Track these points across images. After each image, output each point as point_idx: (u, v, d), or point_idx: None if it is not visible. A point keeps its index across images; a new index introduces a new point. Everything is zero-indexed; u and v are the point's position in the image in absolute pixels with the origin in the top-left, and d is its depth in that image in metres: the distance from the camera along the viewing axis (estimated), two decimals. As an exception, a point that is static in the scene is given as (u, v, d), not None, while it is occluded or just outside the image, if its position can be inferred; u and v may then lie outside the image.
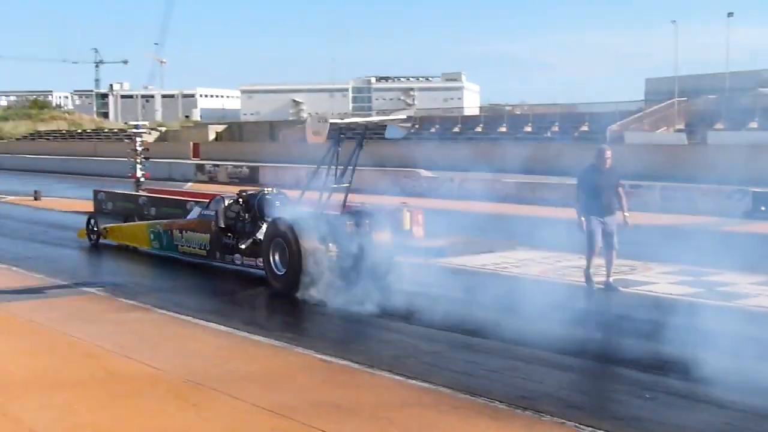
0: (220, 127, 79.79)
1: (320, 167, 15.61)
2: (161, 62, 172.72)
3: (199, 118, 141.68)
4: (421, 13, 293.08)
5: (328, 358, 10.31)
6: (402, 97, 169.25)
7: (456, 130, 59.13)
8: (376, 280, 14.30)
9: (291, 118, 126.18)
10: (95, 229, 21.30)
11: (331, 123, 16.63)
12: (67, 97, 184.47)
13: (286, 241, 14.49)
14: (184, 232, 18.09)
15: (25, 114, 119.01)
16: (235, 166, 46.77)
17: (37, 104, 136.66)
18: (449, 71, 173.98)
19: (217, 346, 11.10)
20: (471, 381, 9.37)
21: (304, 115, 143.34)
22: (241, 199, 16.69)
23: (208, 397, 8.75)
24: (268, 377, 9.55)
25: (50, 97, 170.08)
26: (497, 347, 10.86)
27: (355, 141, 15.71)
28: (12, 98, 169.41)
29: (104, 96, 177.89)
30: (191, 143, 70.11)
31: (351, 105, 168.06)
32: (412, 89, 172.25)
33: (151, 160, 31.89)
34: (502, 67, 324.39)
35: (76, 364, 10.10)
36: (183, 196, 27.50)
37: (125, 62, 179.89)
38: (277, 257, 14.83)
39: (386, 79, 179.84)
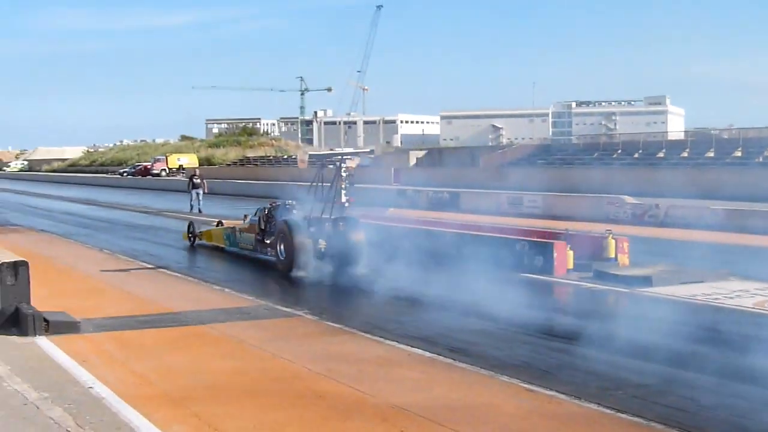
0: (421, 153, 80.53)
1: (312, 184, 22.06)
2: (363, 89, 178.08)
3: (399, 144, 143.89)
4: (624, 36, 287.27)
5: (534, 388, 10.16)
6: (603, 122, 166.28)
7: (660, 155, 57.37)
8: (349, 265, 20.31)
9: (491, 144, 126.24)
10: (193, 231, 27.75)
11: (310, 155, 25.34)
12: (273, 124, 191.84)
13: (285, 235, 20.77)
14: (242, 233, 24.52)
15: (235, 141, 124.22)
16: (435, 192, 46.98)
17: (246, 131, 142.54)
18: (652, 95, 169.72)
19: (421, 372, 11.14)
20: (685, 417, 9.01)
21: (504, 140, 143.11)
22: (270, 208, 23.14)
23: (414, 423, 8.79)
24: (472, 406, 9.50)
25: (258, 124, 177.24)
26: (711, 383, 10.40)
27: (335, 167, 22.16)
28: (223, 126, 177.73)
29: (309, 123, 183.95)
30: (392, 169, 71.15)
31: (551, 130, 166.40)
32: (613, 113, 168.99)
33: (354, 185, 32.51)
34: (708, 90, 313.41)
35: (286, 385, 10.37)
36: (384, 222, 27.81)
37: (329, 90, 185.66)
38: (282, 247, 21.06)
39: (587, 103, 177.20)
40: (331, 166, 22.14)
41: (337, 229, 20.92)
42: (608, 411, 9.20)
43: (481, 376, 10.86)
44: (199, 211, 42.72)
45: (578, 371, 11.33)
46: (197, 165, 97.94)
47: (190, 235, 27.79)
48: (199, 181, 45.05)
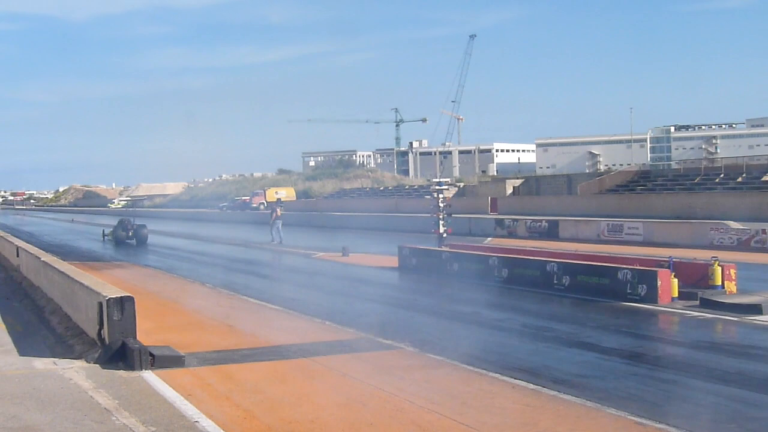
0: (517, 181, 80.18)
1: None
2: (458, 119, 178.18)
3: (495, 173, 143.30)
4: (723, 57, 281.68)
5: (644, 421, 9.87)
6: (703, 146, 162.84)
7: (765, 178, 55.84)
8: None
9: (588, 171, 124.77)
10: (104, 233, 49.21)
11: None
12: (369, 156, 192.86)
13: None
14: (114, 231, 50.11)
15: (332, 173, 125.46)
16: (533, 220, 46.61)
17: (342, 163, 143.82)
18: (754, 117, 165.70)
19: (526, 405, 10.94)
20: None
21: (601, 167, 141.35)
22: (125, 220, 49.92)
23: (520, 458, 8.61)
24: (580, 439, 9.27)
25: (354, 156, 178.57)
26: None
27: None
28: (320, 159, 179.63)
29: (404, 154, 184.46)
30: (489, 198, 70.93)
31: (649, 155, 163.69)
32: (714, 137, 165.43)
33: (452, 215, 32.49)
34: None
35: (389, 419, 10.29)
36: (484, 252, 27.66)
37: (424, 120, 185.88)
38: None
39: (686, 127, 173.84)
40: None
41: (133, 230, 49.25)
42: (723, 445, 8.88)
43: (587, 408, 10.61)
44: (280, 241, 43.91)
45: (689, 403, 10.97)
46: (294, 198, 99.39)
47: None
48: (280, 212, 46.30)
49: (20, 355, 14.49)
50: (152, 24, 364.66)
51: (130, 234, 49.27)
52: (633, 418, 10.03)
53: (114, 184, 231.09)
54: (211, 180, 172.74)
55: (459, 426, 9.83)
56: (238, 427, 9.94)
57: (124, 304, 13.81)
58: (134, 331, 13.88)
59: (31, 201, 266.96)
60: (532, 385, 11.92)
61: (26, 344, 15.51)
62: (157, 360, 13.40)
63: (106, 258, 39.64)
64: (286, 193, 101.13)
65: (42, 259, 22.54)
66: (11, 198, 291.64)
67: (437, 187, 31.57)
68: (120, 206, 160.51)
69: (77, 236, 61.05)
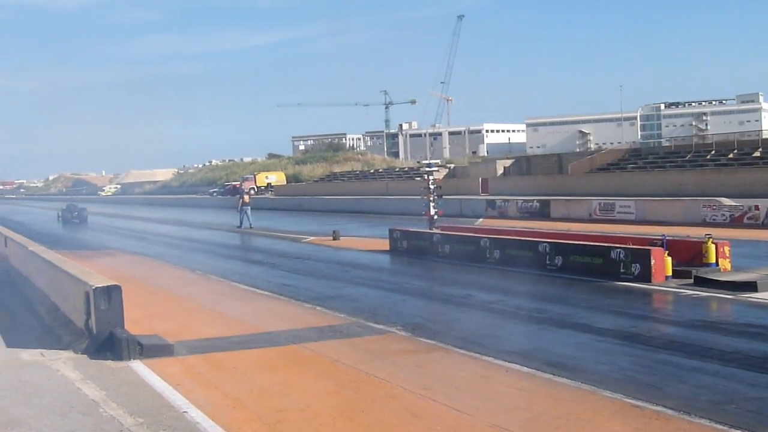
0: (508, 162, 79.87)
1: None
2: (448, 100, 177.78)
3: (485, 153, 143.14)
4: (711, 33, 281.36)
5: (640, 403, 9.70)
6: (694, 123, 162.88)
7: (756, 154, 55.72)
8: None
9: (578, 150, 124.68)
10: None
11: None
12: (359, 139, 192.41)
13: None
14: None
15: (322, 157, 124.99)
16: (525, 201, 46.42)
17: (332, 147, 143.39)
18: (745, 93, 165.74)
19: (520, 388, 10.77)
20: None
21: (591, 146, 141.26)
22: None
23: (515, 443, 8.45)
24: (576, 423, 9.10)
25: (344, 139, 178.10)
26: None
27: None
28: (309, 142, 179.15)
29: (394, 136, 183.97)
30: (480, 179, 70.72)
31: (640, 133, 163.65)
32: (704, 114, 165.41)
33: (443, 197, 32.28)
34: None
35: (381, 405, 10.12)
36: (475, 233, 27.49)
37: (413, 102, 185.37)
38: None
39: (677, 104, 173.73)
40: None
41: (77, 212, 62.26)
42: (721, 427, 8.71)
43: (582, 391, 10.44)
44: (250, 225, 45.52)
45: (686, 384, 10.80)
46: (285, 182, 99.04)
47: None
48: (248, 198, 48.80)
49: (7, 347, 14.26)
50: (139, 10, 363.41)
51: (75, 215, 63.76)
52: (629, 400, 9.86)
53: (104, 172, 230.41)
54: (200, 166, 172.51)
55: (451, 411, 9.66)
56: (227, 416, 9.75)
57: (111, 293, 13.57)
58: (122, 321, 13.64)
59: (21, 190, 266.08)
60: (525, 368, 11.76)
61: (13, 335, 15.27)
62: (145, 349, 13.19)
63: (95, 246, 39.36)
64: (276, 178, 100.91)
65: (29, 248, 22.26)
66: (0, 187, 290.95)
67: (427, 169, 31.36)
68: (110, 193, 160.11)
69: (66, 224, 60.70)
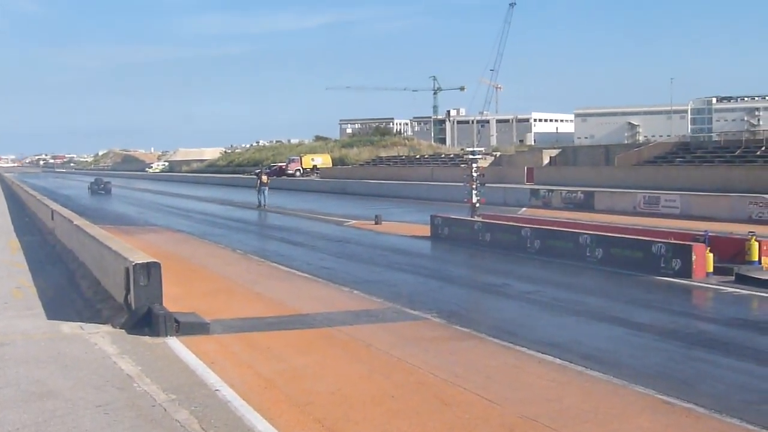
0: (554, 152, 79.16)
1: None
2: (497, 88, 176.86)
3: (532, 143, 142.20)
4: (765, 28, 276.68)
5: (671, 400, 9.65)
6: (745, 118, 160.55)
7: (808, 151, 54.73)
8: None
9: (626, 142, 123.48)
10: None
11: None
12: (407, 124, 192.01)
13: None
14: None
15: (368, 141, 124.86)
16: (569, 191, 46.09)
17: (379, 131, 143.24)
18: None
19: (551, 380, 10.75)
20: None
21: (640, 138, 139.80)
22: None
23: (542, 435, 8.45)
24: (605, 418, 9.07)
25: (391, 124, 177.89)
26: None
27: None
28: (357, 126, 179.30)
29: (441, 122, 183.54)
30: (525, 168, 70.22)
31: (690, 127, 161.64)
32: (756, 109, 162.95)
33: (486, 185, 32.16)
34: None
35: (411, 392, 10.15)
36: (517, 222, 27.40)
37: (462, 89, 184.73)
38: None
39: (728, 99, 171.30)
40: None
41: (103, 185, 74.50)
42: (752, 427, 8.64)
43: (614, 385, 10.40)
44: (265, 204, 49.28)
45: (719, 382, 10.73)
46: (330, 165, 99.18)
47: None
48: (266, 179, 52.66)
49: (48, 319, 14.52)
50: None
51: (101, 187, 74.88)
52: (661, 396, 9.81)
53: (152, 149, 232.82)
54: (248, 146, 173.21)
55: (482, 401, 9.67)
56: (259, 396, 9.85)
57: (151, 269, 13.74)
58: (160, 297, 13.82)
59: (71, 164, 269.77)
60: (559, 360, 11.73)
61: (55, 308, 15.53)
62: (182, 327, 13.36)
63: (140, 222, 39.82)
64: (322, 160, 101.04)
65: (74, 222, 22.59)
66: (52, 161, 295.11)
67: (471, 157, 31.25)
68: (158, 170, 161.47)
69: (113, 200, 61.42)
